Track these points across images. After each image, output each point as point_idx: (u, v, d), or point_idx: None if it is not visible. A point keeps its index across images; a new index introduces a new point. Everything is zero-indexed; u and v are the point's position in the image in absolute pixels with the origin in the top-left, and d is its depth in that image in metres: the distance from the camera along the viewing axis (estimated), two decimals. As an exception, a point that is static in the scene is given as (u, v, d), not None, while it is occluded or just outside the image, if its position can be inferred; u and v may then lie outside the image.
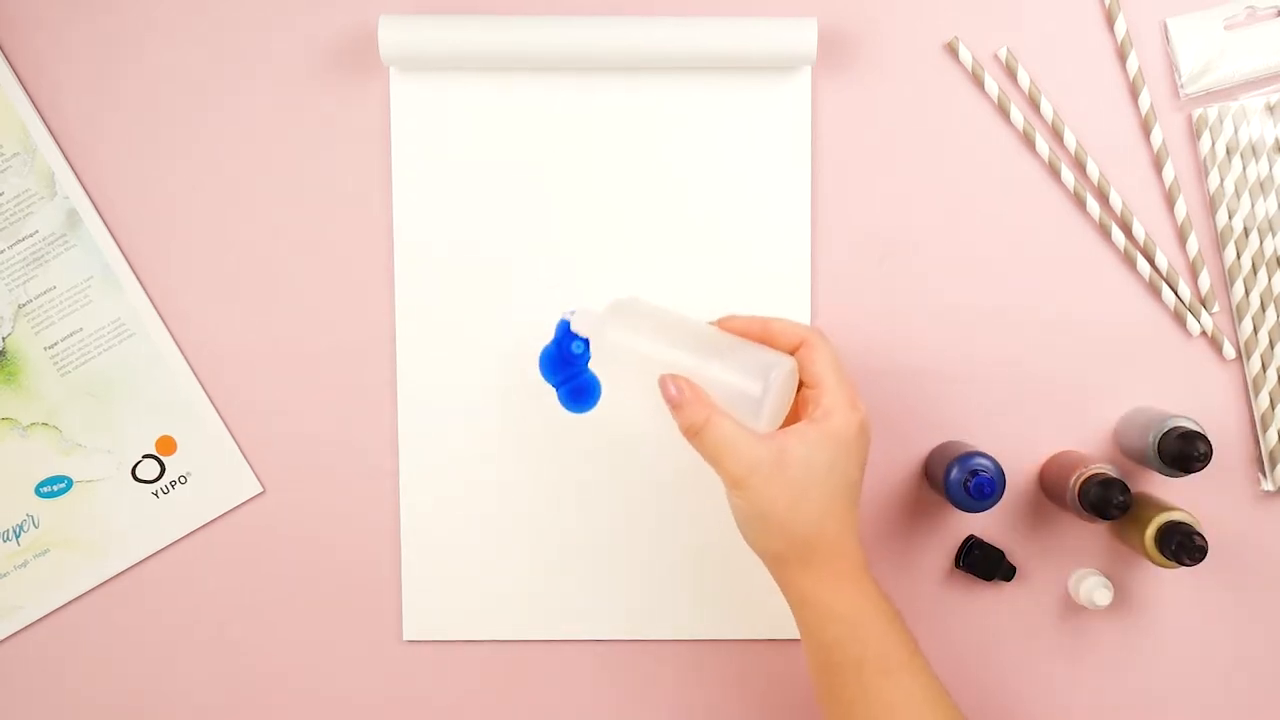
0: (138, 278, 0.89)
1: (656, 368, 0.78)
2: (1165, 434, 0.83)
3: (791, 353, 0.78)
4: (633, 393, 0.87)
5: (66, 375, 0.89)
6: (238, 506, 0.91)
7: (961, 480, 0.84)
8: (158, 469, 0.90)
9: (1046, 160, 0.89)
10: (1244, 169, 0.88)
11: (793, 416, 0.78)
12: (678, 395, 0.76)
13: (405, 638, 0.91)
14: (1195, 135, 0.89)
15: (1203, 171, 0.89)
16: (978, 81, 0.89)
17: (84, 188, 0.89)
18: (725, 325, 0.80)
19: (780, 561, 0.77)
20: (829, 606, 0.76)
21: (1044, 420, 0.90)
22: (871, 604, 0.76)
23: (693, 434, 0.76)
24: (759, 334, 0.79)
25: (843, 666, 0.76)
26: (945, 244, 0.89)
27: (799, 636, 0.79)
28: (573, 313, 0.82)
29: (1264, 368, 0.89)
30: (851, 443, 0.76)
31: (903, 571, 0.91)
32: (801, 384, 0.78)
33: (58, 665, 0.91)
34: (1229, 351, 0.89)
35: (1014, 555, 0.90)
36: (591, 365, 0.82)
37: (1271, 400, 0.89)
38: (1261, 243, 0.89)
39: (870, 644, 0.76)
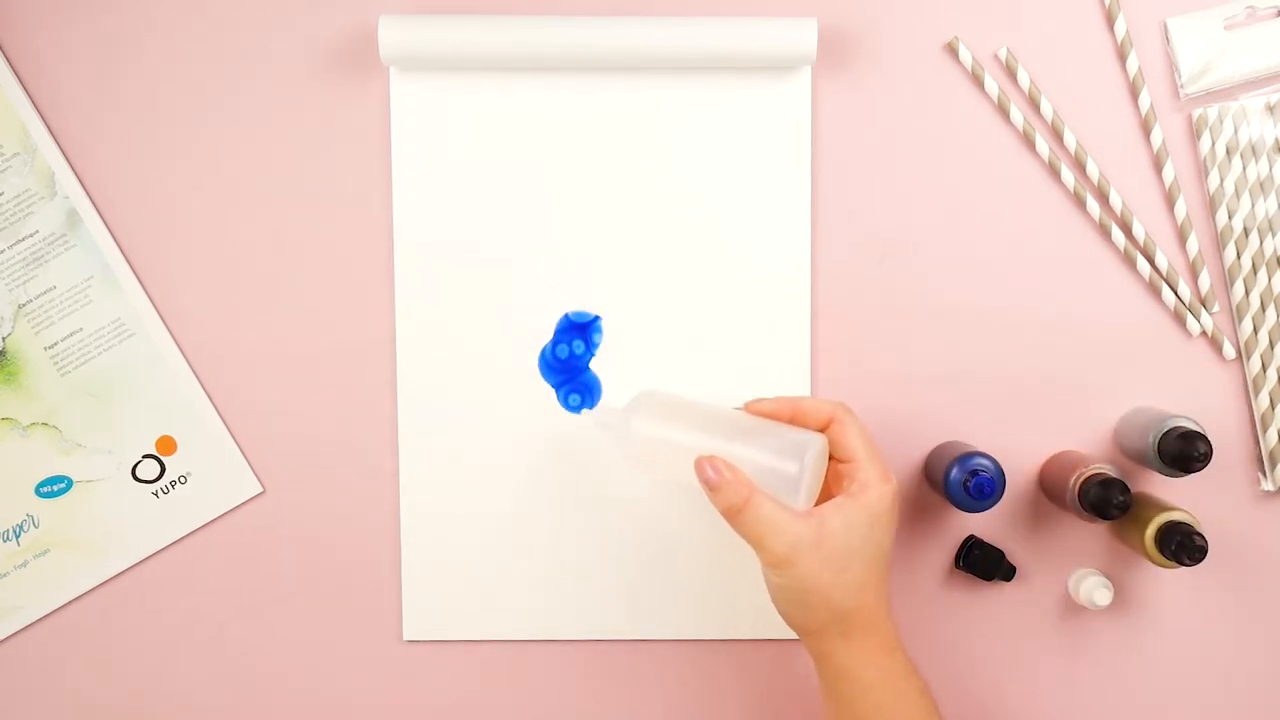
0: (138, 278, 0.89)
1: (689, 454, 0.78)
2: (1165, 434, 0.83)
3: (821, 429, 0.78)
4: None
5: (66, 375, 0.89)
6: (238, 506, 0.91)
7: (961, 480, 0.84)
8: (158, 469, 0.90)
9: (1046, 160, 0.89)
10: (1244, 169, 0.88)
11: (825, 491, 0.79)
12: (716, 477, 0.76)
13: (405, 638, 0.91)
14: (1195, 135, 0.89)
15: (1203, 171, 0.89)
16: (978, 81, 0.89)
17: (84, 188, 0.89)
18: (753, 409, 0.80)
19: (820, 634, 0.78)
20: (865, 677, 0.77)
21: (1044, 420, 0.90)
22: (903, 677, 0.78)
23: (733, 515, 0.76)
24: (788, 413, 0.79)
25: None
26: (945, 244, 0.89)
27: (824, 701, 0.79)
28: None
29: (1264, 368, 0.89)
30: (885, 514, 0.77)
31: (903, 571, 0.91)
32: (833, 458, 0.79)
33: (58, 665, 0.91)
34: (1229, 351, 0.89)
35: (1014, 555, 0.90)
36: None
37: (1271, 400, 0.89)
38: (1261, 243, 0.89)
39: (903, 715, 0.77)
